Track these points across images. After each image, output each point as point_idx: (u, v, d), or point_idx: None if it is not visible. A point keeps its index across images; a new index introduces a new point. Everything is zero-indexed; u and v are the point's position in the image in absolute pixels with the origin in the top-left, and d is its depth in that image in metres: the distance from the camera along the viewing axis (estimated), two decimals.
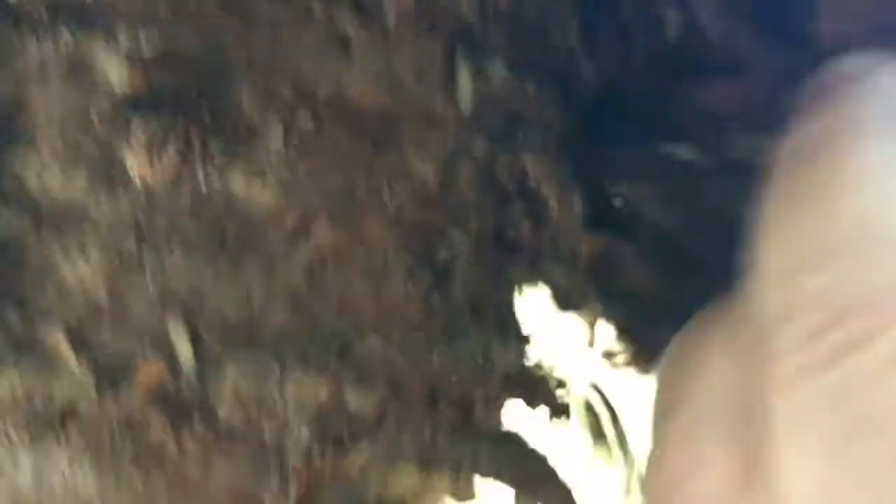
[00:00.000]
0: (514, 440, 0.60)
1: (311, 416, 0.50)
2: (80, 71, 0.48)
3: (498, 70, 0.54)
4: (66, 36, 0.48)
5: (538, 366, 0.60)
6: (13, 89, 0.49)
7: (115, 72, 0.46)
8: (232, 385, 0.49)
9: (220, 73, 0.48)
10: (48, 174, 0.49)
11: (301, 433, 0.50)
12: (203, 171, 0.48)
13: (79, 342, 0.49)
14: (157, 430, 0.48)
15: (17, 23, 0.49)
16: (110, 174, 0.48)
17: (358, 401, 0.51)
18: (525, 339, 0.58)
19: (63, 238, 0.49)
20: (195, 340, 0.49)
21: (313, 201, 0.50)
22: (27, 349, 0.48)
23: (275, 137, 0.48)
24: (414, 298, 0.54)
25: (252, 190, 0.48)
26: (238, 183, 0.48)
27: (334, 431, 0.51)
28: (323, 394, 0.50)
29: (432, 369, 0.55)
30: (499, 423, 0.59)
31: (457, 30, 0.52)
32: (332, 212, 0.50)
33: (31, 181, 0.49)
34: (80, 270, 0.49)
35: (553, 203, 0.56)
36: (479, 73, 0.53)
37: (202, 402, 0.49)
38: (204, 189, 0.48)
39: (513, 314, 0.58)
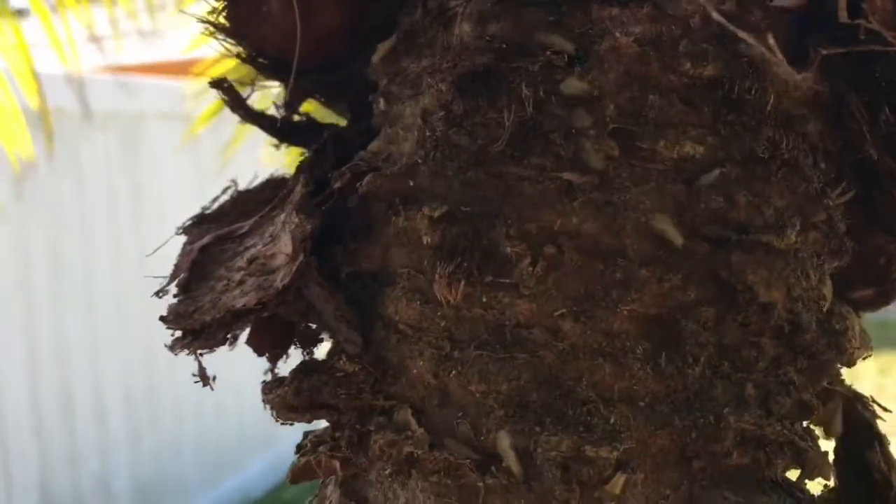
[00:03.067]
0: (777, 494, 0.70)
1: (559, 463, 0.68)
2: (411, 235, 0.73)
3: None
4: (401, 213, 0.73)
5: (785, 429, 0.70)
6: (381, 251, 0.76)
7: (425, 232, 0.71)
8: (509, 444, 0.69)
9: (487, 225, 0.70)
10: (400, 304, 0.75)
11: (552, 475, 0.68)
12: (482, 291, 0.69)
13: (418, 415, 0.72)
14: (467, 473, 0.70)
15: (386, 208, 0.76)
16: (433, 300, 0.72)
17: (596, 452, 0.67)
18: (767, 408, 0.69)
19: (410, 345, 0.74)
20: (484, 412, 0.70)
21: (560, 306, 0.69)
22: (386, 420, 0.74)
23: (527, 264, 0.68)
24: (653, 375, 0.69)
25: (515, 301, 0.69)
26: (506, 297, 0.69)
27: (579, 474, 0.68)
28: (565, 447, 0.67)
29: (676, 430, 0.69)
30: (763, 477, 0.70)
31: (673, 166, 0.68)
32: (576, 312, 0.69)
33: (391, 309, 0.75)
34: (419, 366, 0.73)
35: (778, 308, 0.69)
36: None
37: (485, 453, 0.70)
38: (485, 303, 0.70)
39: (755, 383, 0.70)
